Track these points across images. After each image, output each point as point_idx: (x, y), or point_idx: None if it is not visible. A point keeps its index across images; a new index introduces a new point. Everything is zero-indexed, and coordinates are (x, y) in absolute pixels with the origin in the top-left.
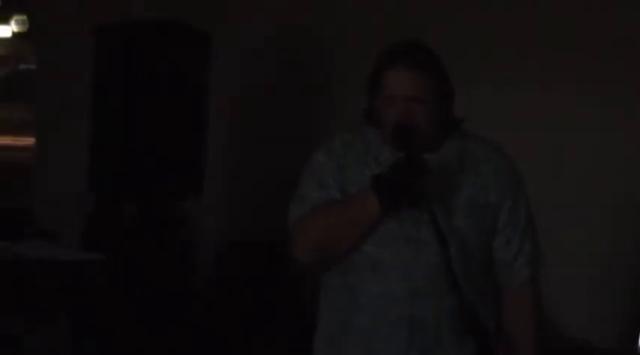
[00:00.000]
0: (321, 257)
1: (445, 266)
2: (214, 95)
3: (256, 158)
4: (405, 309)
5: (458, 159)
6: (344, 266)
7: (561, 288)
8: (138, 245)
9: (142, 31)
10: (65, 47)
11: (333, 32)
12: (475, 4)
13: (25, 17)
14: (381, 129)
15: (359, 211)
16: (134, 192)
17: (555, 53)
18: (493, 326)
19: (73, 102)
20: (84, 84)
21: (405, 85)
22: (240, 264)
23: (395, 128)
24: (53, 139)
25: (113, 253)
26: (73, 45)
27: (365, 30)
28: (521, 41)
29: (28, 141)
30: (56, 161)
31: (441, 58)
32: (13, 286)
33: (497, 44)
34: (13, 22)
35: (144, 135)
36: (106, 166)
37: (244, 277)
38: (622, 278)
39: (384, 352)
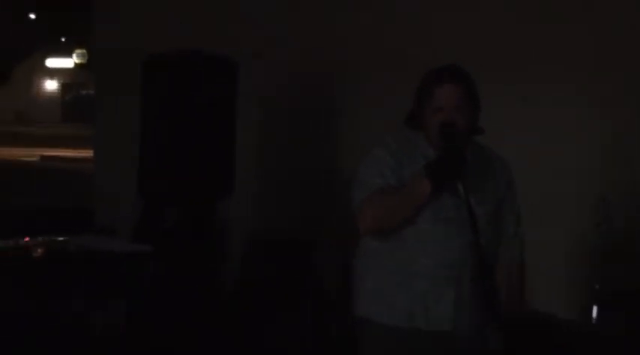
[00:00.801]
0: (379, 230)
1: (474, 242)
2: (244, 115)
3: (277, 167)
4: (451, 274)
5: (483, 158)
6: (401, 239)
7: (532, 269)
8: (179, 239)
9: (183, 61)
10: (119, 75)
11: (339, 58)
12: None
13: (84, 51)
14: (427, 133)
15: (414, 192)
16: (175, 195)
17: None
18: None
19: (124, 121)
20: (134, 105)
21: (450, 97)
22: (265, 256)
23: (442, 124)
24: (108, 152)
25: (159, 246)
26: (125, 73)
27: (366, 58)
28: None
29: (88, 153)
30: (111, 170)
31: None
32: (76, 272)
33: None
34: (74, 55)
35: (183, 148)
36: (151, 174)
37: (269, 267)
38: (580, 262)
39: (437, 307)
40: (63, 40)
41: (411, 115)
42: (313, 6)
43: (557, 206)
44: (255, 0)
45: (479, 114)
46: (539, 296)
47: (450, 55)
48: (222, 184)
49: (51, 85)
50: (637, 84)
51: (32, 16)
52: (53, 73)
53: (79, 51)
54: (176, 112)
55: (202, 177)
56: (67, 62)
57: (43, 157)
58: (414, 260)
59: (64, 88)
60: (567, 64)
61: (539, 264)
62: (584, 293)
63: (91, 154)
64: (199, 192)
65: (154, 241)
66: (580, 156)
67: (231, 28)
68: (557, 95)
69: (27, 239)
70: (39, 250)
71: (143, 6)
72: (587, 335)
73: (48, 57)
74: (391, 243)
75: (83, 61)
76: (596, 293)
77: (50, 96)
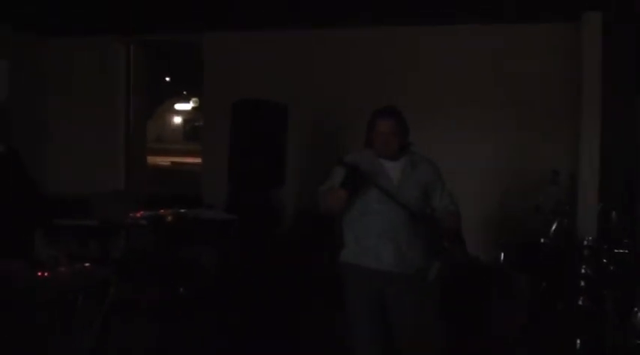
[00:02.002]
0: (329, 213)
1: (404, 211)
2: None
3: (313, 167)
4: (391, 234)
5: (410, 163)
6: (358, 212)
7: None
8: (253, 211)
9: (256, 103)
10: (216, 113)
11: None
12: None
13: (197, 99)
14: (374, 149)
15: (336, 195)
16: (250, 185)
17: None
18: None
19: (220, 140)
20: (226, 130)
21: (386, 126)
22: (304, 224)
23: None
24: (210, 159)
25: (241, 215)
26: (221, 112)
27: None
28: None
29: (198, 159)
30: (212, 170)
31: (402, 113)
32: (192, 231)
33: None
34: (191, 101)
35: (255, 157)
36: (236, 172)
37: (307, 230)
38: (498, 221)
39: (382, 255)
40: (185, 92)
41: (367, 139)
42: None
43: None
44: (302, 66)
45: (407, 135)
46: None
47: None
48: (278, 178)
49: (177, 120)
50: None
51: (167, 78)
52: (178, 112)
53: (194, 99)
54: (252, 135)
55: (267, 174)
56: (187, 106)
57: (172, 162)
58: (365, 229)
59: (184, 121)
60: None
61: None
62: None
63: (199, 160)
64: (265, 183)
65: (238, 212)
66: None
67: (284, 83)
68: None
69: (161, 210)
70: (170, 217)
71: (231, 72)
72: (498, 271)
73: (175, 103)
74: (352, 219)
75: (196, 105)
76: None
77: (177, 126)
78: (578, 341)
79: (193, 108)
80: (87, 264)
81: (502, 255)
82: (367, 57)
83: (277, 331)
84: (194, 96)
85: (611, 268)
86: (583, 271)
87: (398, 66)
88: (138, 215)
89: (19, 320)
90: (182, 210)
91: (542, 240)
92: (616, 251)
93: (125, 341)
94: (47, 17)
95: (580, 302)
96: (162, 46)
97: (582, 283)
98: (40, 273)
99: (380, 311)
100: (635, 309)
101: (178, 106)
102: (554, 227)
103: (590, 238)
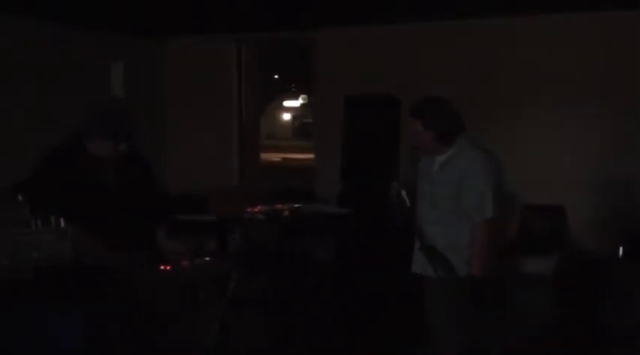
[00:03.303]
0: None
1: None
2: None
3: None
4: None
5: (447, 159)
6: None
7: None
8: (365, 207)
9: (367, 99)
10: (328, 109)
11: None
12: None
13: (306, 96)
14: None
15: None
16: (363, 179)
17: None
18: None
19: (332, 136)
20: (337, 126)
21: (412, 126)
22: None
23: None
24: (322, 155)
25: (355, 209)
26: (332, 108)
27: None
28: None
29: (309, 155)
30: (324, 165)
31: (434, 104)
32: (306, 224)
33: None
34: (300, 98)
35: (366, 152)
36: (349, 165)
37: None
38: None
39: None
40: (293, 86)
41: None
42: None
43: None
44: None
45: (445, 126)
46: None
47: None
48: (391, 171)
49: (286, 117)
50: None
51: (276, 76)
52: (288, 109)
53: (302, 95)
54: (364, 130)
55: (379, 168)
56: (296, 103)
57: (283, 158)
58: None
59: (293, 118)
60: None
61: None
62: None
63: (313, 156)
64: (376, 177)
65: (352, 207)
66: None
67: (396, 77)
68: None
69: (278, 205)
70: (286, 212)
71: (342, 68)
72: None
73: (284, 100)
74: None
75: (305, 102)
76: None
77: (286, 123)
78: None
79: (302, 104)
80: (208, 259)
81: (620, 249)
82: (481, 49)
83: (392, 324)
84: (302, 92)
85: None
86: None
87: (515, 57)
88: (256, 210)
89: (143, 312)
90: (298, 205)
91: None
92: None
93: (242, 333)
94: (164, 20)
95: None
96: (272, 43)
97: None
98: (162, 267)
99: None
100: None
101: (287, 103)
102: None
103: None
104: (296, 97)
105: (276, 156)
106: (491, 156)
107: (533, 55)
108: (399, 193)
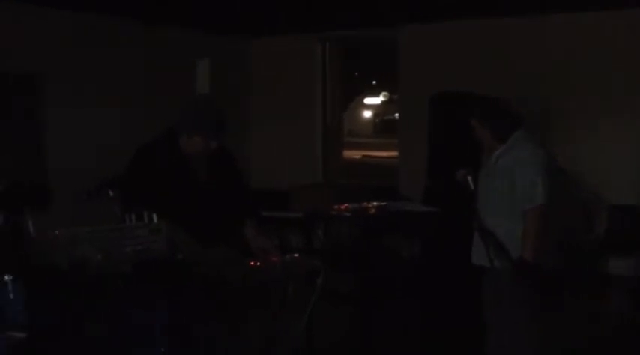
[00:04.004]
0: None
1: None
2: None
3: None
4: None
5: (500, 153)
6: None
7: None
8: (451, 206)
9: (453, 96)
10: (413, 107)
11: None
12: None
13: (387, 93)
14: None
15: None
16: (449, 177)
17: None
18: None
19: (416, 134)
20: (421, 124)
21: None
22: None
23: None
24: (407, 151)
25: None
26: (417, 105)
27: None
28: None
29: (389, 153)
30: (407, 163)
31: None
32: (393, 221)
33: None
34: (381, 95)
35: (454, 150)
36: (435, 163)
37: None
38: None
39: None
40: (374, 83)
41: None
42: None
43: None
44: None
45: (500, 122)
46: None
47: None
48: (476, 171)
49: (367, 114)
50: None
51: (356, 73)
52: (368, 106)
53: (384, 93)
54: (450, 128)
55: (464, 166)
56: (376, 100)
57: (363, 155)
58: None
59: (374, 115)
60: None
61: None
62: None
63: (393, 153)
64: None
65: (437, 205)
66: None
67: (481, 74)
68: None
69: (365, 203)
70: (373, 209)
71: (427, 64)
72: None
73: (365, 97)
74: None
75: (386, 99)
76: None
77: (367, 120)
78: None
79: (383, 102)
80: (296, 255)
81: None
82: (565, 44)
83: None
84: (383, 89)
85: None
86: None
87: (599, 52)
88: (342, 207)
89: (232, 306)
90: (384, 203)
91: None
92: None
93: (329, 328)
94: (249, 19)
95: None
96: (357, 41)
97: None
98: (252, 262)
99: None
100: None
101: (368, 101)
102: None
103: None
104: (377, 95)
105: (356, 154)
106: (541, 148)
107: (622, 53)
108: (466, 179)
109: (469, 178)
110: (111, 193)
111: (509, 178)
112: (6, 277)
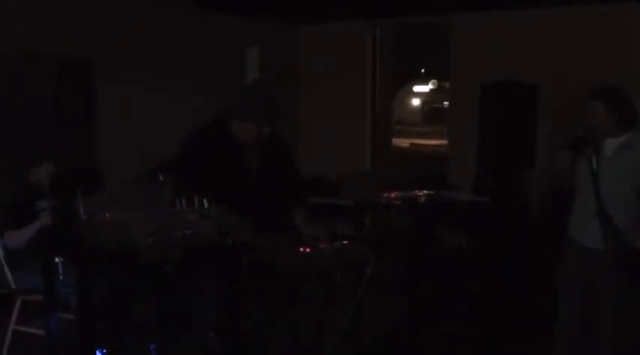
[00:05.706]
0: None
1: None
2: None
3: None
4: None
5: (621, 145)
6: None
7: None
8: (501, 195)
9: (505, 85)
10: (464, 95)
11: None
12: None
13: (435, 81)
14: None
15: (560, 155)
16: (500, 167)
17: None
18: None
19: (467, 123)
20: (473, 113)
21: (590, 108)
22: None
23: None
24: (457, 140)
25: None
26: (468, 94)
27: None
28: None
29: (439, 141)
30: (456, 152)
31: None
32: (443, 211)
33: None
34: (430, 83)
35: (505, 140)
36: (485, 152)
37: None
38: None
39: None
40: (422, 71)
41: None
42: None
43: None
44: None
45: (623, 112)
46: None
47: None
48: (526, 161)
49: (415, 102)
50: None
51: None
52: (417, 94)
53: (432, 80)
54: (501, 117)
55: (516, 156)
56: (425, 88)
57: (411, 144)
58: (575, 204)
59: (422, 103)
60: None
61: None
62: None
63: (442, 142)
64: (515, 166)
65: (487, 195)
66: None
67: (535, 63)
68: None
69: (415, 191)
70: (422, 198)
71: (479, 53)
72: None
73: (414, 85)
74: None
75: (434, 87)
76: None
77: (415, 108)
78: None
79: (432, 90)
80: (345, 242)
81: None
82: (620, 33)
83: (525, 317)
84: (432, 77)
85: None
86: None
87: None
88: (392, 195)
89: (281, 293)
90: (431, 192)
91: None
92: None
93: (375, 316)
94: (298, 6)
95: None
96: (408, 28)
97: None
98: (302, 249)
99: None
100: None
101: (417, 88)
102: None
103: None
104: (426, 82)
105: (404, 142)
106: None
107: None
108: (590, 158)
109: (593, 159)
110: (161, 177)
111: (635, 170)
112: (56, 259)
